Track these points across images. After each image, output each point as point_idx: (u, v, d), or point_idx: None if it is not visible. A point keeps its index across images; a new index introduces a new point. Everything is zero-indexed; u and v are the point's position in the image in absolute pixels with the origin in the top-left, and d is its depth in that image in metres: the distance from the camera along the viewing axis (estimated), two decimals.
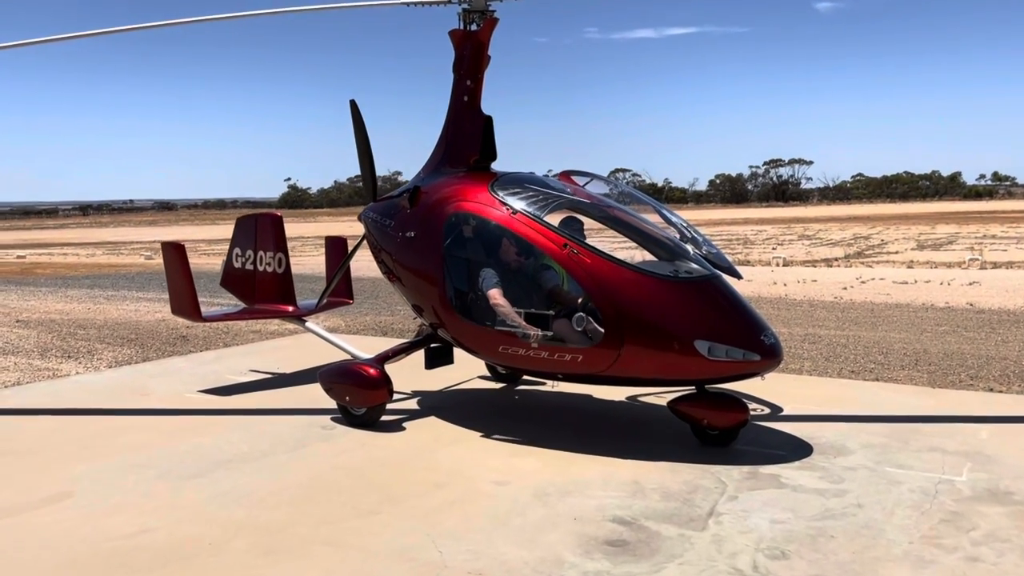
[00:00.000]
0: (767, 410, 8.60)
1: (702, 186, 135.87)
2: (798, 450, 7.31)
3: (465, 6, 8.56)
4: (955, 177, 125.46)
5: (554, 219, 7.83)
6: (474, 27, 8.61)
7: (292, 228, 64.01)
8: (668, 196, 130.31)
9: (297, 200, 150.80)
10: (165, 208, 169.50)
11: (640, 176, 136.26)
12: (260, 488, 6.55)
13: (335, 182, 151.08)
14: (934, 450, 7.27)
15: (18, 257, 41.46)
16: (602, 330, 7.04)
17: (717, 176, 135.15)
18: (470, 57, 8.60)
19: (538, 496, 6.29)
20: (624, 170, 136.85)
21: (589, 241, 7.50)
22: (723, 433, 7.40)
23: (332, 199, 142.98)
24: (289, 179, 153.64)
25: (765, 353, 6.99)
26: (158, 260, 35.56)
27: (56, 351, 12.91)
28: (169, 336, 14.10)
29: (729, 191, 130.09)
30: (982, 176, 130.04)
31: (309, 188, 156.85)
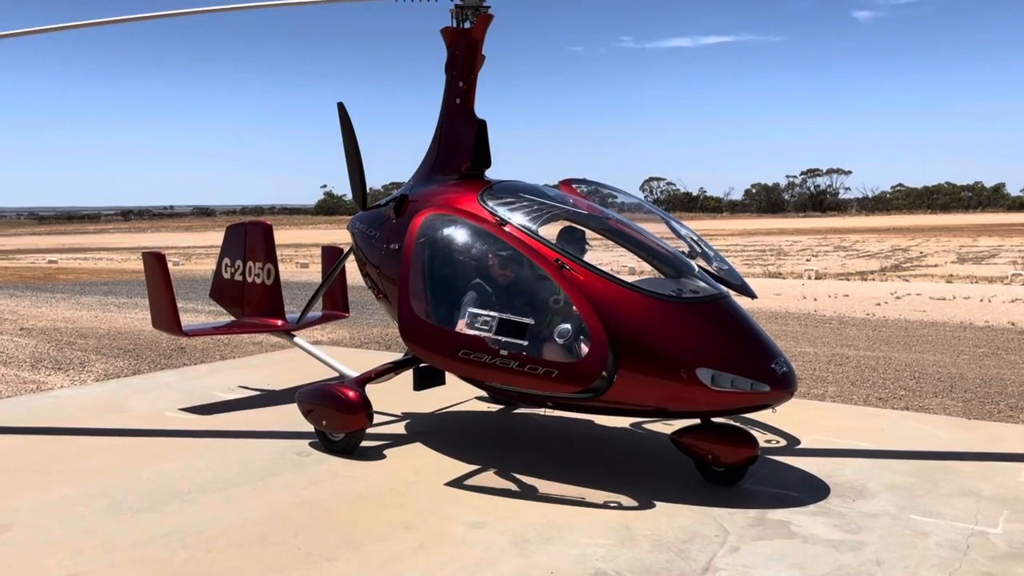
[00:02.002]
0: (782, 442, 7.85)
1: (738, 195, 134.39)
2: (813, 491, 6.57)
3: (457, 2, 7.97)
4: (999, 188, 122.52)
5: (550, 231, 7.20)
6: (467, 24, 8.00)
7: (324, 235, 64.08)
8: (703, 205, 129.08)
9: (333, 207, 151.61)
10: (204, 214, 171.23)
11: (675, 185, 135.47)
12: (213, 525, 5.96)
13: (370, 189, 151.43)
14: (967, 494, 6.50)
15: (50, 262, 41.69)
16: (586, 348, 6.29)
17: (753, 185, 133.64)
18: (463, 57, 8.00)
19: (516, 542, 5.63)
20: (658, 179, 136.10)
21: (583, 255, 6.83)
22: (729, 470, 6.69)
23: None
24: (325, 186, 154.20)
25: (776, 383, 6.26)
26: (183, 266, 35.46)
27: (48, 362, 12.50)
28: (167, 348, 13.64)
29: (765, 201, 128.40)
30: None
31: (345, 195, 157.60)
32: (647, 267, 7.46)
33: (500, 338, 6.30)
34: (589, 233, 7.32)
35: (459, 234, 7.13)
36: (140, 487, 6.75)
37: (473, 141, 7.89)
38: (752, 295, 7.79)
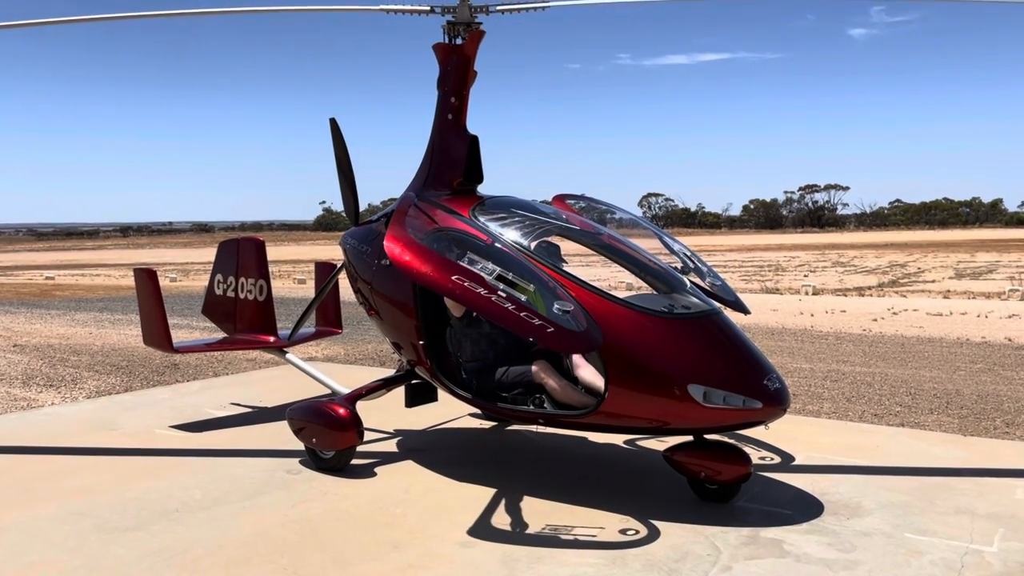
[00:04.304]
0: (776, 459, 7.79)
1: (736, 211, 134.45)
2: (807, 509, 6.50)
3: (450, 18, 7.95)
4: (996, 204, 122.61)
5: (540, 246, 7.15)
6: (459, 41, 7.99)
7: (322, 251, 63.94)
8: (702, 221, 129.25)
9: (332, 223, 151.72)
10: (202, 230, 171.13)
11: (673, 201, 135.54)
12: (198, 545, 5.88)
13: (369, 205, 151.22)
14: (962, 512, 6.43)
15: (47, 278, 41.60)
16: (584, 326, 5.96)
17: (751, 201, 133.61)
18: (455, 73, 7.98)
19: (505, 562, 5.55)
20: (657, 195, 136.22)
21: (575, 271, 6.79)
22: (722, 488, 6.63)
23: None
24: (324, 202, 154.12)
25: (768, 400, 6.21)
26: (181, 283, 35.38)
27: (40, 379, 12.43)
28: (160, 364, 13.56)
29: (763, 216, 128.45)
30: None
31: (343, 211, 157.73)
32: (641, 283, 7.43)
33: (500, 284, 5.96)
34: (576, 247, 7.27)
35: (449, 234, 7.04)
36: (127, 506, 6.68)
37: (465, 157, 7.86)
38: (745, 311, 7.76)
